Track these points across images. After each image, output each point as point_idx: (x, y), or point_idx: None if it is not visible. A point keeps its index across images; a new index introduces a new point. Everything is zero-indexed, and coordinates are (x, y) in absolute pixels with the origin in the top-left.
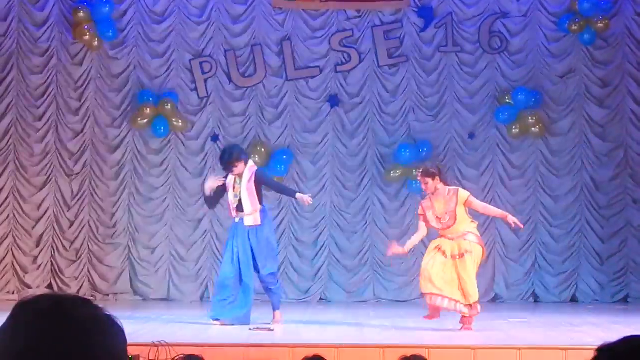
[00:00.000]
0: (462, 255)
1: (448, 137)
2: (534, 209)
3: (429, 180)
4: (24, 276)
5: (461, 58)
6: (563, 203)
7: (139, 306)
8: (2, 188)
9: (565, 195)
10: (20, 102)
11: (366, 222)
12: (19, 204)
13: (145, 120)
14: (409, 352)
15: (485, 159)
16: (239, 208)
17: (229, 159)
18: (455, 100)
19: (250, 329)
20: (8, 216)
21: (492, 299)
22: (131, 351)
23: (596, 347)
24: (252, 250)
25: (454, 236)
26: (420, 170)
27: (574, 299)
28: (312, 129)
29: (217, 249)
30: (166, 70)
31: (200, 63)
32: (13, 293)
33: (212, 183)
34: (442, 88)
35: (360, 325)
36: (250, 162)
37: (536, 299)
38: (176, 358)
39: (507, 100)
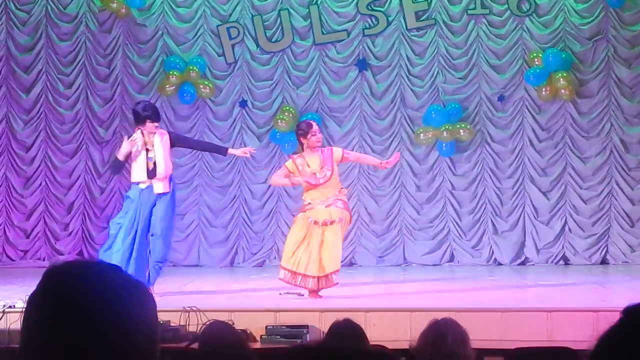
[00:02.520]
0: (332, 222)
1: (477, 99)
2: (563, 171)
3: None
4: (55, 243)
5: (490, 20)
6: (592, 165)
7: (169, 272)
8: (35, 157)
9: (594, 157)
10: (50, 70)
11: (395, 186)
12: (51, 171)
13: (173, 87)
14: (439, 316)
15: (515, 122)
16: (151, 173)
17: (146, 113)
18: (484, 62)
19: (280, 294)
20: (40, 184)
21: (522, 262)
22: (162, 317)
23: (622, 309)
24: (150, 216)
25: (326, 200)
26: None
27: (604, 261)
28: (340, 92)
29: (246, 214)
30: (194, 37)
31: (228, 28)
32: (44, 260)
33: (128, 146)
34: (470, 50)
35: (390, 289)
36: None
37: (566, 262)
38: (206, 323)
39: (537, 63)
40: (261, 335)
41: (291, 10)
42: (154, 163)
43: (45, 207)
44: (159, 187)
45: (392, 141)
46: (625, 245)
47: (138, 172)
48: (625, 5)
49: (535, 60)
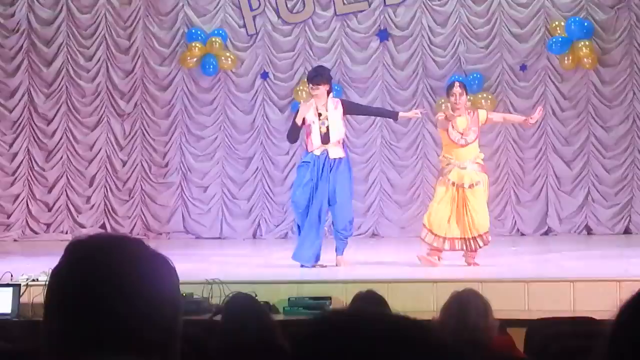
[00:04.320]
0: (471, 186)
1: (499, 68)
2: (586, 140)
3: (464, 94)
4: (77, 216)
5: None
6: (615, 134)
7: (191, 245)
8: (56, 130)
9: (617, 126)
10: (71, 43)
11: (417, 157)
12: (72, 145)
13: (195, 59)
14: (462, 287)
15: (537, 91)
16: (325, 139)
17: (315, 75)
18: (506, 31)
19: (301, 266)
20: (62, 157)
21: (545, 232)
22: (184, 289)
23: None
24: (333, 184)
25: (465, 163)
26: (460, 83)
27: (627, 231)
28: (362, 63)
29: (268, 187)
30: (214, 8)
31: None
32: (66, 233)
33: (304, 109)
34: (492, 19)
35: (413, 260)
36: (333, 94)
37: (589, 232)
38: (229, 295)
39: (559, 32)
40: (284, 307)
41: None
42: (327, 127)
43: (67, 180)
44: (334, 152)
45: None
46: None
47: (314, 138)
48: None
49: (557, 29)
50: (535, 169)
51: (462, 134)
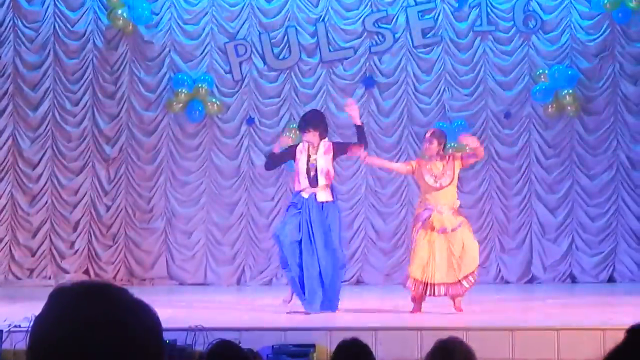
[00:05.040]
0: (454, 230)
1: (483, 115)
2: (570, 188)
3: (438, 143)
4: (61, 261)
5: (496, 37)
6: (599, 182)
7: (175, 291)
8: (41, 174)
9: (601, 174)
10: (57, 87)
11: (402, 203)
12: (57, 189)
13: (181, 104)
14: (446, 335)
15: (521, 138)
16: (313, 182)
17: (309, 120)
18: (491, 79)
19: (287, 312)
20: (46, 202)
21: (529, 280)
22: (168, 336)
23: (627, 328)
24: (325, 226)
25: (442, 208)
26: (433, 131)
27: (611, 279)
28: None
29: (253, 232)
30: (201, 54)
31: (235, 46)
32: (50, 278)
33: (284, 140)
34: (477, 67)
35: (397, 307)
36: (326, 139)
37: (573, 280)
38: (213, 342)
39: (543, 79)
40: (267, 355)
41: (298, 28)
42: (315, 170)
43: (51, 225)
44: (322, 195)
45: (399, 158)
46: (632, 263)
47: (301, 180)
48: (632, 21)
49: (542, 76)
50: (520, 216)
51: (436, 177)
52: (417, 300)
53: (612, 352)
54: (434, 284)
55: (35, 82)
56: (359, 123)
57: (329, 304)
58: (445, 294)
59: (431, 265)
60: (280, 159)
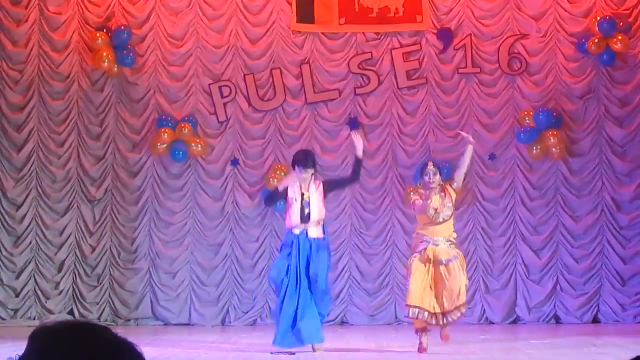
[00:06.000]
0: (449, 262)
1: None
2: (554, 229)
3: (440, 173)
4: (45, 302)
5: (480, 79)
6: (584, 223)
7: (160, 331)
8: (25, 215)
9: (585, 215)
10: (41, 129)
11: (387, 244)
12: (42, 230)
13: (164, 145)
14: None
15: (506, 180)
16: (305, 218)
17: (310, 159)
18: (475, 120)
19: (271, 353)
20: (30, 243)
21: (514, 321)
22: None
23: None
24: (308, 262)
25: (438, 240)
26: (433, 162)
27: (595, 320)
28: (332, 151)
29: (237, 273)
30: (185, 95)
31: (220, 87)
32: (34, 319)
33: (291, 181)
34: (461, 109)
35: (382, 347)
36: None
37: (557, 320)
38: None
39: (527, 121)
40: None
41: (283, 70)
42: (308, 207)
43: (36, 265)
44: (313, 231)
45: (383, 200)
46: (617, 305)
47: (293, 216)
48: (616, 64)
49: (526, 118)
50: (504, 257)
51: (436, 210)
52: (422, 331)
53: None
54: (432, 313)
55: (19, 123)
56: (360, 155)
57: (298, 339)
58: (437, 324)
59: (428, 295)
60: (281, 196)
